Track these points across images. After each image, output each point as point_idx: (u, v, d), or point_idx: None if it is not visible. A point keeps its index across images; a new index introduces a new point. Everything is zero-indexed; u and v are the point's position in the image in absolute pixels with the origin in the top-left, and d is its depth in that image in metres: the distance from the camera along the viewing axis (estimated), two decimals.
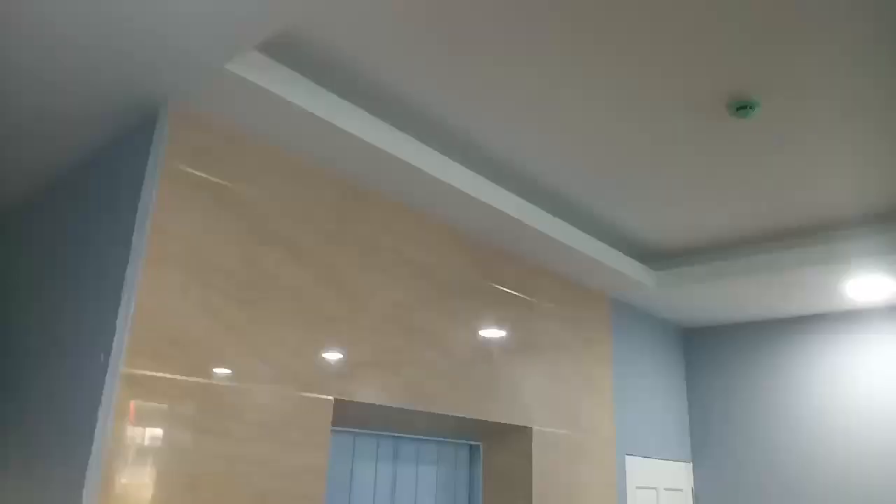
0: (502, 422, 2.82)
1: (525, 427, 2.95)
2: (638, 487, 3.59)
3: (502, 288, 3.01)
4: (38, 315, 2.23)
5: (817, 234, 3.11)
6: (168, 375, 1.78)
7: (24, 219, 2.63)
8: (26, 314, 2.33)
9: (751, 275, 3.28)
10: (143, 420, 1.71)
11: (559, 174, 2.60)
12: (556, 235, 2.91)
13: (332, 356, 2.21)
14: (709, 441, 4.07)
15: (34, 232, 2.50)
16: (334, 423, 2.34)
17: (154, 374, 1.75)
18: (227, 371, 1.91)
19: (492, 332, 2.88)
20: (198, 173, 1.94)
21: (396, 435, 2.78)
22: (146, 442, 1.71)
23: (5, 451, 2.13)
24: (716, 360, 4.19)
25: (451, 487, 2.96)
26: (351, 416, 2.45)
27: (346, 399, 2.22)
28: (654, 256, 3.50)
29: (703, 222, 3.05)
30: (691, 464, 4.08)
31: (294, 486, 2.01)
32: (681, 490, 3.94)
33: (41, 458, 1.88)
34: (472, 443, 3.09)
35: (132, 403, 1.69)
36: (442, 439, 2.97)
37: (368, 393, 2.30)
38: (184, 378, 1.81)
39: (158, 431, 1.74)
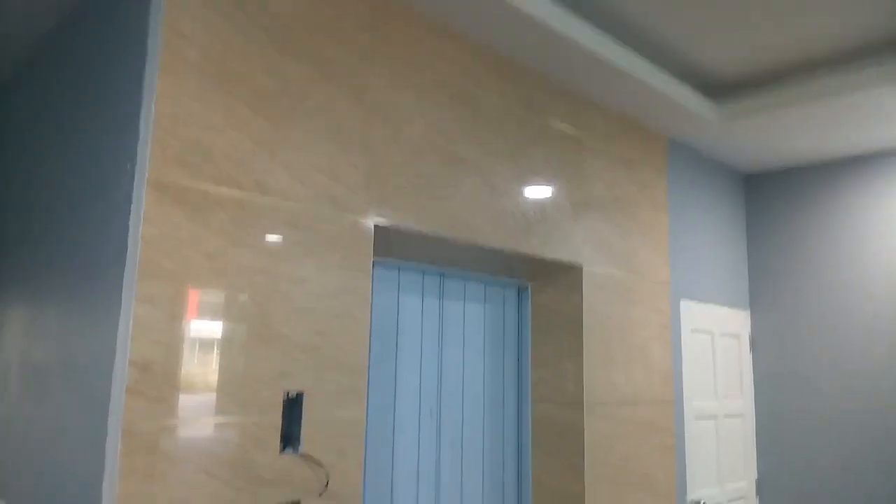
0: (550, 258, 2.73)
1: (575, 266, 2.86)
2: (693, 331, 3.51)
3: (549, 122, 2.82)
4: (59, 153, 2.19)
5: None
6: (198, 185, 1.72)
7: (34, 66, 2.56)
8: (47, 157, 2.31)
9: (820, 98, 2.97)
10: (176, 230, 1.67)
11: None
12: (609, 57, 2.66)
13: (370, 180, 2.12)
14: (768, 288, 3.92)
15: (45, 78, 2.43)
16: (377, 254, 2.30)
17: (183, 182, 1.70)
18: (260, 186, 1.85)
19: (537, 167, 2.73)
20: None
21: (442, 271, 2.73)
22: (181, 251, 1.68)
23: (39, 297, 2.17)
24: (777, 207, 3.95)
25: (498, 327, 2.94)
26: (394, 247, 2.40)
27: (387, 225, 2.15)
28: (716, 90, 3.20)
29: (770, 41, 2.73)
30: (749, 311, 3.96)
31: (339, 306, 1.99)
32: (737, 336, 3.85)
33: (76, 291, 1.90)
34: (521, 283, 3.03)
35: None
36: (489, 278, 2.92)
37: (409, 221, 2.22)
38: (215, 188, 1.75)
39: (192, 241, 1.70)
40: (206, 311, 1.72)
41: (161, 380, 1.63)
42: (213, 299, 1.73)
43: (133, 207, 1.65)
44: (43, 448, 1.99)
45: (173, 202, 1.68)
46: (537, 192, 2.71)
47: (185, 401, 1.66)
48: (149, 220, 1.63)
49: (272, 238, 1.87)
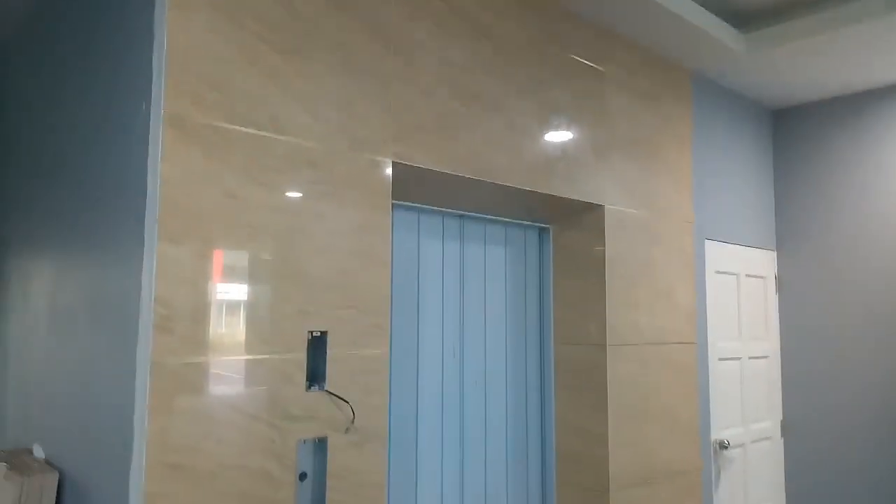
0: (571, 198, 2.68)
1: (596, 205, 2.81)
2: (717, 272, 3.46)
3: (571, 55, 2.74)
4: (72, 98, 2.18)
5: None
6: (213, 122, 1.70)
7: (43, 13, 2.53)
8: (61, 104, 2.29)
9: (853, 23, 2.84)
10: (194, 168, 1.66)
11: None
12: None
13: (387, 118, 2.08)
14: (795, 228, 3.84)
15: (54, 24, 2.40)
16: (396, 197, 2.28)
17: (198, 120, 1.68)
18: (275, 123, 1.82)
19: (558, 103, 2.66)
20: None
21: (462, 213, 2.71)
22: (200, 190, 1.67)
23: (62, 242, 2.18)
24: (805, 143, 3.83)
25: (520, 269, 2.92)
26: (413, 189, 2.37)
27: (404, 163, 2.12)
28: (742, 18, 3.08)
29: None
30: (775, 252, 3.90)
31: (359, 245, 1.98)
32: (763, 277, 3.80)
33: (99, 233, 1.90)
34: (542, 225, 2.99)
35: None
36: (510, 220, 2.89)
37: (427, 160, 2.19)
38: (230, 126, 1.73)
39: (211, 180, 1.69)
40: (228, 250, 1.72)
41: (187, 317, 1.64)
42: (234, 237, 1.73)
43: (150, 147, 1.64)
44: (74, 390, 2.03)
45: (189, 140, 1.66)
46: (558, 129, 2.65)
47: (211, 338, 1.68)
48: (167, 159, 1.62)
49: (291, 177, 1.85)
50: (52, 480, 1.97)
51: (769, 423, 3.73)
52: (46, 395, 2.26)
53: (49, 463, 2.08)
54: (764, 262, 3.81)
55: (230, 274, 1.73)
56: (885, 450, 3.42)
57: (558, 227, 3.00)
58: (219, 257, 1.70)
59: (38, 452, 2.15)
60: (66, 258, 2.21)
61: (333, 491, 1.88)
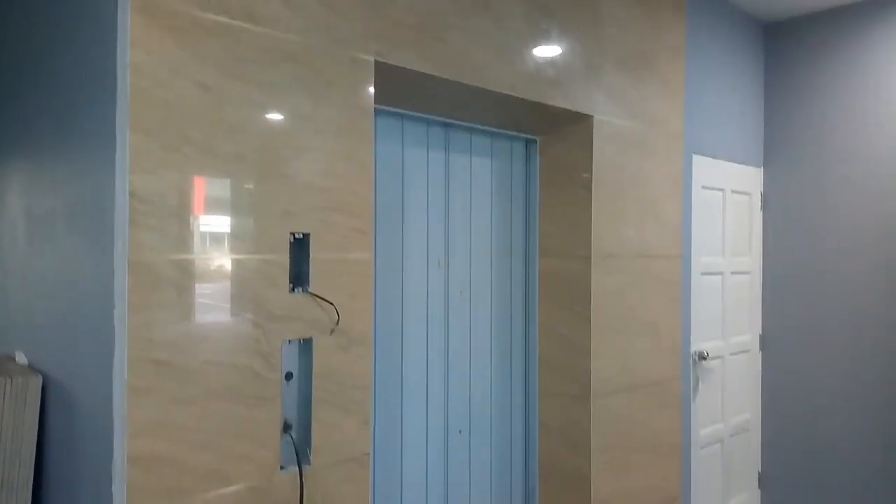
0: (559, 106, 2.61)
1: (585, 115, 2.75)
2: (704, 187, 3.45)
3: None
4: None
5: None
6: (184, 9, 1.61)
7: None
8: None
9: None
10: (165, 57, 1.58)
11: None
12: None
13: (369, 11, 1.99)
14: (783, 144, 3.81)
15: None
16: (379, 101, 2.20)
17: (168, 4, 1.58)
18: (249, 11, 1.73)
19: (549, 6, 2.55)
20: None
21: (448, 122, 2.64)
22: (173, 80, 1.59)
23: (34, 146, 2.10)
24: (796, 58, 3.75)
25: (505, 182, 2.88)
26: (396, 93, 2.29)
27: (387, 62, 2.04)
28: None
29: None
30: (762, 169, 3.88)
31: (341, 147, 1.93)
32: (749, 194, 3.79)
33: (69, 129, 1.83)
34: (529, 137, 2.94)
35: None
36: (496, 131, 2.82)
37: (411, 59, 2.11)
38: (202, 14, 1.64)
39: (184, 70, 1.61)
40: (204, 145, 1.66)
41: (166, 214, 1.59)
42: (210, 132, 1.67)
43: (119, 33, 1.55)
44: (55, 294, 2.00)
45: (160, 26, 1.57)
46: (549, 34, 2.55)
47: (191, 236, 1.64)
48: (136, 45, 1.54)
49: (268, 71, 1.77)
50: (35, 383, 1.96)
51: (748, 336, 3.81)
52: (27, 302, 2.23)
53: (32, 368, 2.08)
54: (750, 178, 3.80)
55: (208, 170, 1.67)
56: (859, 366, 3.52)
57: (545, 139, 2.94)
58: (195, 153, 1.64)
59: (21, 359, 2.14)
60: (40, 159, 2.14)
61: (320, 391, 1.90)
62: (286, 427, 1.86)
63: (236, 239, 1.73)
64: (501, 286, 2.86)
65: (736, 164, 3.67)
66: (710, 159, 3.47)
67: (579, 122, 2.79)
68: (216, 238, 1.70)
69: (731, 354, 3.68)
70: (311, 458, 1.88)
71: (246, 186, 1.74)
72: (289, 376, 1.88)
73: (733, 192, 3.67)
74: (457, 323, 2.68)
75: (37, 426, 1.95)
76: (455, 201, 2.69)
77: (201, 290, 1.67)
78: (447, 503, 2.62)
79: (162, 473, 1.59)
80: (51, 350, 2.02)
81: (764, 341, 3.88)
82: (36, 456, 1.97)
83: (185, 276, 1.64)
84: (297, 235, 1.85)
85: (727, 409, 3.64)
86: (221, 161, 1.70)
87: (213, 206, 1.70)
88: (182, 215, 1.62)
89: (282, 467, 1.82)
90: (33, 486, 1.95)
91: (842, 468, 3.57)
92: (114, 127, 1.56)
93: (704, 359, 3.43)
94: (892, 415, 3.41)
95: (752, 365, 3.83)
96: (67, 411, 1.87)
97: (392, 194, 2.47)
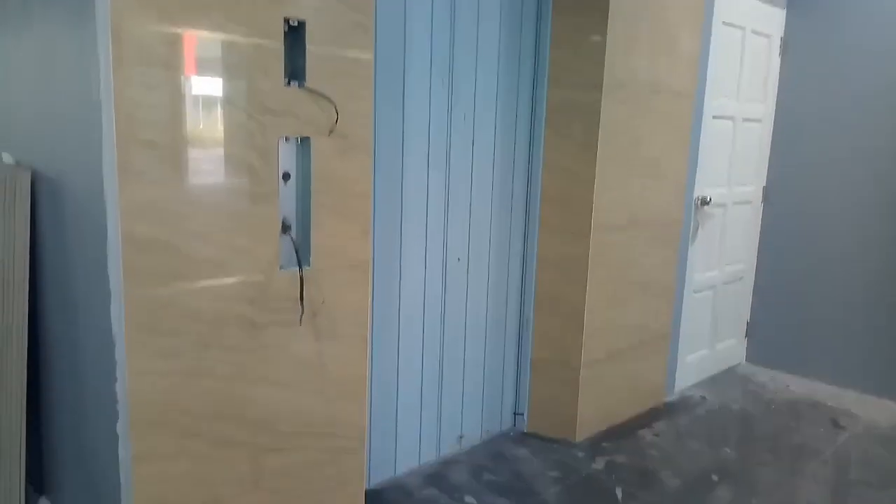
0: None
1: None
2: (724, 23, 3.25)
3: None
4: None
5: None
6: None
7: None
8: None
9: None
10: None
11: None
12: None
13: None
14: None
15: None
16: None
17: None
18: None
19: None
20: None
21: None
22: None
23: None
24: None
25: (516, 5, 2.68)
26: None
27: None
28: None
29: None
30: (784, 10, 3.65)
31: None
32: (769, 36, 3.59)
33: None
34: None
35: None
36: None
37: None
38: None
39: None
40: None
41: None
42: None
43: None
44: (36, 86, 1.90)
45: None
46: None
47: (176, 5, 1.51)
48: None
49: None
50: (24, 178, 1.90)
51: (752, 187, 3.76)
52: (7, 102, 2.13)
53: (20, 165, 2.01)
54: (772, 20, 3.58)
55: None
56: (860, 224, 3.49)
57: None
58: None
59: (8, 159, 2.07)
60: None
61: (319, 193, 1.85)
62: (285, 227, 1.82)
63: (227, 19, 1.60)
64: (506, 116, 2.73)
65: (759, 2, 3.44)
66: None
67: None
68: (205, 9, 1.57)
69: (734, 204, 3.64)
70: (310, 259, 1.86)
71: None
72: (286, 176, 1.81)
73: (753, 32, 3.46)
74: (458, 160, 2.57)
75: (29, 221, 1.91)
76: (461, 27, 2.49)
77: (190, 70, 1.56)
78: (444, 316, 2.65)
79: (159, 257, 1.57)
80: (38, 145, 1.95)
81: (767, 193, 3.82)
82: (31, 256, 1.94)
83: (172, 53, 1.52)
84: (291, 23, 1.71)
85: (724, 257, 3.65)
86: None
87: None
88: None
89: (281, 266, 1.81)
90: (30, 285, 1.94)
91: (828, 325, 3.63)
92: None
93: (707, 204, 3.38)
94: (887, 273, 3.43)
95: (753, 216, 3.80)
96: (59, 204, 1.83)
97: (394, 16, 2.27)
